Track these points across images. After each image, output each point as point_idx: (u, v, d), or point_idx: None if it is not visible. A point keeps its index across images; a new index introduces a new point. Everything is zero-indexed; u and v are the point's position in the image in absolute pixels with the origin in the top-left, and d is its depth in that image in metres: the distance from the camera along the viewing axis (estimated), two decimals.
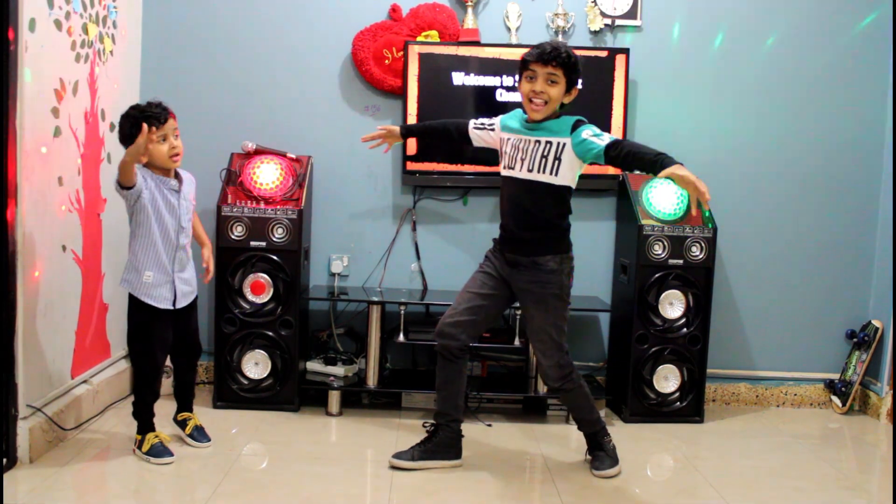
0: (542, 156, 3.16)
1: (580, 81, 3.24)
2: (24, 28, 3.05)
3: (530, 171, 3.19)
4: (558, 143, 3.15)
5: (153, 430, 3.36)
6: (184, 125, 4.16)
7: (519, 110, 3.32)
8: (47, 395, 3.35)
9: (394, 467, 3.31)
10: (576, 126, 3.15)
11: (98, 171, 3.75)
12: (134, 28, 4.19)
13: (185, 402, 3.56)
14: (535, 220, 3.23)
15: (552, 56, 3.10)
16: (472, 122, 3.49)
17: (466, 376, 3.43)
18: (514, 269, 3.27)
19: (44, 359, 3.32)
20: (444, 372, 3.37)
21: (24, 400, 3.16)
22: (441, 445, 3.38)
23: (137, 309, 3.30)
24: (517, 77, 3.26)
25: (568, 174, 3.18)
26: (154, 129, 3.12)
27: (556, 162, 3.15)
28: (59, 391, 3.44)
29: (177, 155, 3.26)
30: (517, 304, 3.48)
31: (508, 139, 3.28)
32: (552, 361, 3.28)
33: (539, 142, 3.18)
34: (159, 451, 3.30)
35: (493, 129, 3.41)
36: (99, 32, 3.71)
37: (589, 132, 3.12)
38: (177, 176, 3.34)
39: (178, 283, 3.33)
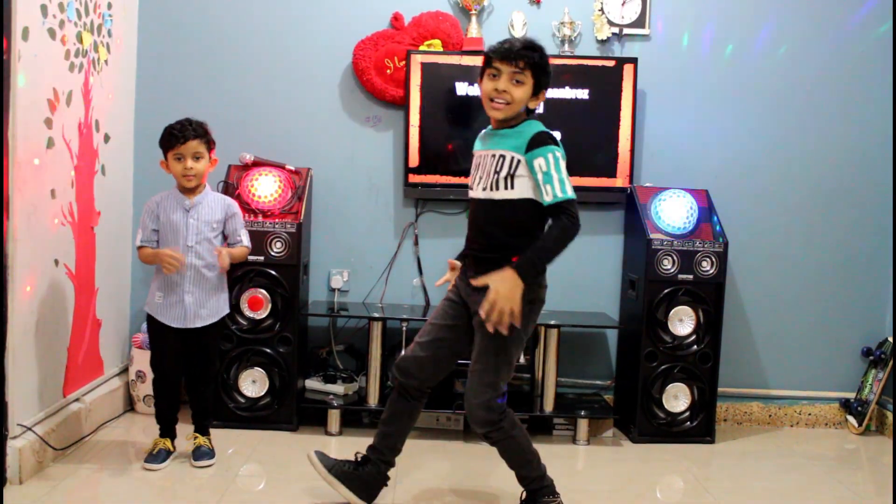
0: (496, 171, 2.85)
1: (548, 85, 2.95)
2: (17, 37, 3.05)
3: (484, 189, 2.89)
4: (512, 159, 2.82)
5: (165, 436, 3.52)
6: None
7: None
8: (38, 413, 3.34)
9: (309, 458, 3.12)
10: (533, 144, 2.80)
11: (92, 183, 3.76)
12: (129, 37, 4.20)
13: (196, 422, 3.59)
14: (494, 240, 2.90)
15: (519, 55, 2.80)
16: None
17: (416, 421, 3.17)
18: (474, 291, 2.90)
19: (35, 376, 3.32)
20: (393, 407, 3.11)
21: (15, 419, 3.15)
22: (361, 480, 3.10)
23: (151, 322, 3.49)
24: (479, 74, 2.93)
25: (528, 187, 2.83)
26: None
27: (510, 178, 2.83)
28: (50, 410, 3.43)
29: (190, 176, 3.39)
30: None
31: (474, 157, 3.03)
32: (480, 399, 2.87)
33: (494, 155, 2.88)
34: (152, 458, 3.44)
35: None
36: (94, 41, 3.73)
37: (541, 162, 2.77)
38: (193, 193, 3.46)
39: (189, 303, 3.42)
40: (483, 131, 3.04)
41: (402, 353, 3.13)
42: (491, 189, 2.88)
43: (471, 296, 2.96)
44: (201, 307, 3.44)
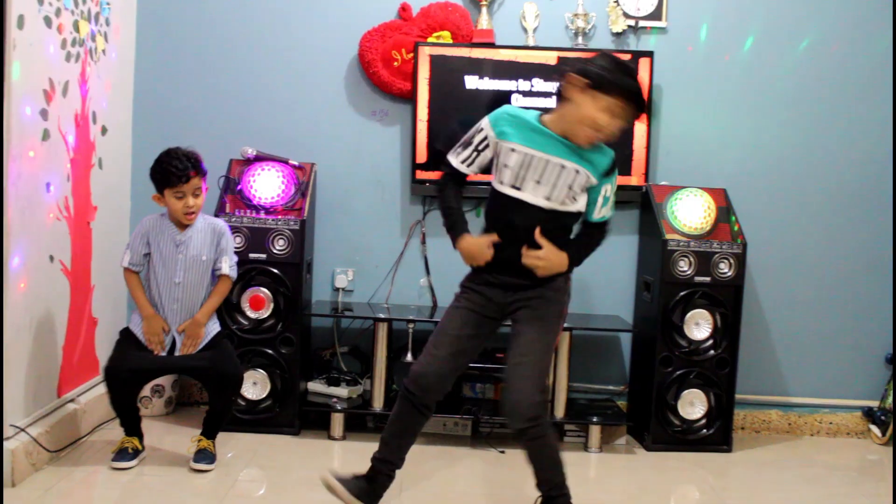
0: (569, 185, 2.84)
1: None
2: (13, 25, 3.05)
3: (548, 199, 2.85)
4: (587, 177, 2.85)
5: (131, 435, 3.51)
6: (180, 130, 4.18)
7: (522, 110, 2.90)
8: (32, 414, 3.34)
9: (328, 486, 2.96)
10: (611, 171, 2.92)
11: (88, 177, 3.76)
12: (128, 26, 4.20)
13: (207, 425, 3.58)
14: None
15: (643, 102, 2.83)
16: (457, 162, 2.97)
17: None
18: (517, 291, 2.93)
19: (29, 376, 3.31)
20: (406, 420, 3.03)
21: (8, 419, 3.15)
22: (378, 491, 3.03)
23: (126, 334, 3.51)
24: (589, 93, 2.77)
25: (584, 201, 2.93)
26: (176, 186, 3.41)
27: (577, 194, 2.88)
28: (44, 410, 3.43)
29: (191, 213, 3.44)
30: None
31: (512, 150, 2.86)
32: (531, 390, 2.84)
33: (566, 167, 2.83)
34: (120, 456, 3.44)
35: (485, 147, 2.93)
36: (91, 30, 3.73)
37: (609, 188, 2.93)
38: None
39: (176, 335, 3.49)
40: (510, 116, 2.88)
41: (421, 367, 2.97)
42: (563, 202, 2.87)
43: (511, 296, 2.94)
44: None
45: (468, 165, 2.97)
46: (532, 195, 2.86)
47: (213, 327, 3.57)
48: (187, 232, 3.48)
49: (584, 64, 2.81)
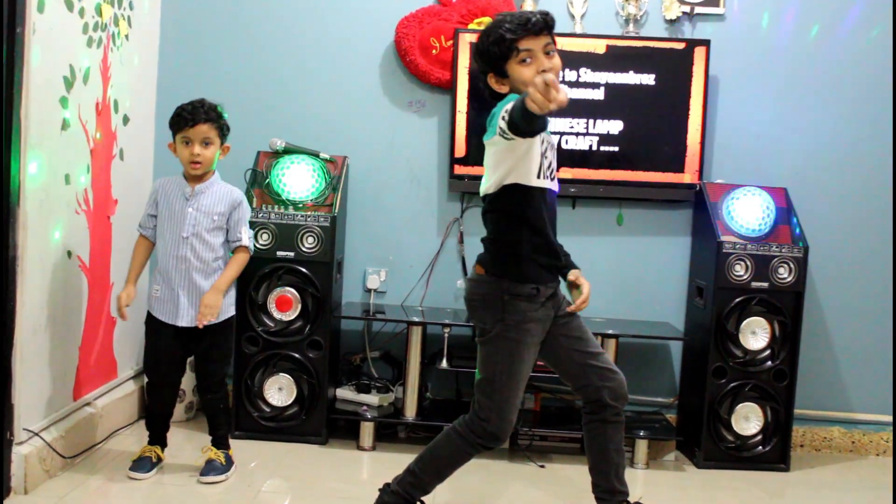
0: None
1: None
2: (33, 8, 3.06)
3: (552, 180, 2.86)
4: None
5: (154, 444, 3.53)
6: None
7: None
8: (46, 418, 3.35)
9: None
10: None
11: (109, 168, 3.77)
12: (152, 10, 4.22)
13: (210, 433, 3.57)
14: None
15: (544, 23, 2.68)
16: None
17: None
18: (553, 298, 2.90)
19: (44, 378, 3.33)
20: (464, 461, 2.96)
21: (21, 423, 3.16)
22: None
23: (148, 320, 3.52)
24: (492, 65, 2.76)
25: None
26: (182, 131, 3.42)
27: None
28: (59, 414, 3.44)
29: (197, 163, 3.41)
30: None
31: (543, 140, 2.78)
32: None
33: (552, 143, 2.88)
34: (138, 465, 3.45)
35: None
36: (114, 14, 3.74)
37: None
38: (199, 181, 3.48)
39: (183, 299, 3.43)
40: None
41: (505, 422, 2.86)
42: (553, 179, 2.87)
43: (552, 301, 2.89)
44: (192, 307, 3.44)
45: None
46: (552, 183, 2.86)
47: (229, 309, 3.54)
48: (200, 187, 3.45)
49: (480, 59, 2.78)
